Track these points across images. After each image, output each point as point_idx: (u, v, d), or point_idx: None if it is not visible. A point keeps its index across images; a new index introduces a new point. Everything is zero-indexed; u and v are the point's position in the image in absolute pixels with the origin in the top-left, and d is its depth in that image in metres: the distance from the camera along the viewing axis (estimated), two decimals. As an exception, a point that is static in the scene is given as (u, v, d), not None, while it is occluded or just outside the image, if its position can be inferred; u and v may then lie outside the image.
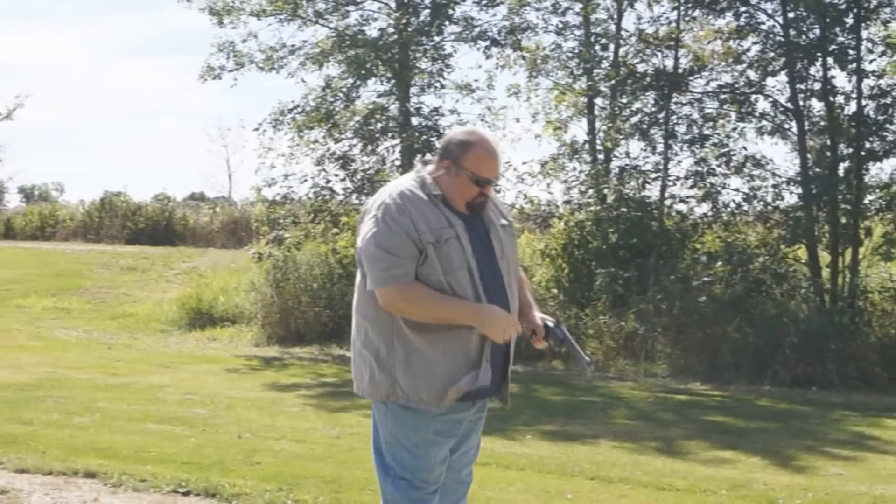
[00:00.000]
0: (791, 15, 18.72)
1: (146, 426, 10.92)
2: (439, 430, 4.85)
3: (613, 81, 20.17)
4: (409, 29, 21.31)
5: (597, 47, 20.99)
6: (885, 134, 18.02)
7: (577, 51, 21.33)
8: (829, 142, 18.52)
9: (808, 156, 18.77)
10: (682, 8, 20.01)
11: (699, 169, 19.49)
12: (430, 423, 4.80)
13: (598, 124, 21.19)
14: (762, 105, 19.50)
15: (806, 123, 18.79)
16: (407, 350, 4.71)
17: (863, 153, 18.08)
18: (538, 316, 5.04)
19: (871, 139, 18.06)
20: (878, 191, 18.44)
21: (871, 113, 18.16)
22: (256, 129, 21.63)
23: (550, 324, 4.99)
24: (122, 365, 16.46)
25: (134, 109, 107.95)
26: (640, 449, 10.60)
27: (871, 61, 18.45)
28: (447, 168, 4.80)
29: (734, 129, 19.70)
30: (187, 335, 21.18)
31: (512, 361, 5.04)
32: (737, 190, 19.49)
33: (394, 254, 4.63)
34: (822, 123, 18.79)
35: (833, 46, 18.28)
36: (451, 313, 4.67)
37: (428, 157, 5.02)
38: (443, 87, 21.94)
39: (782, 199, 19.19)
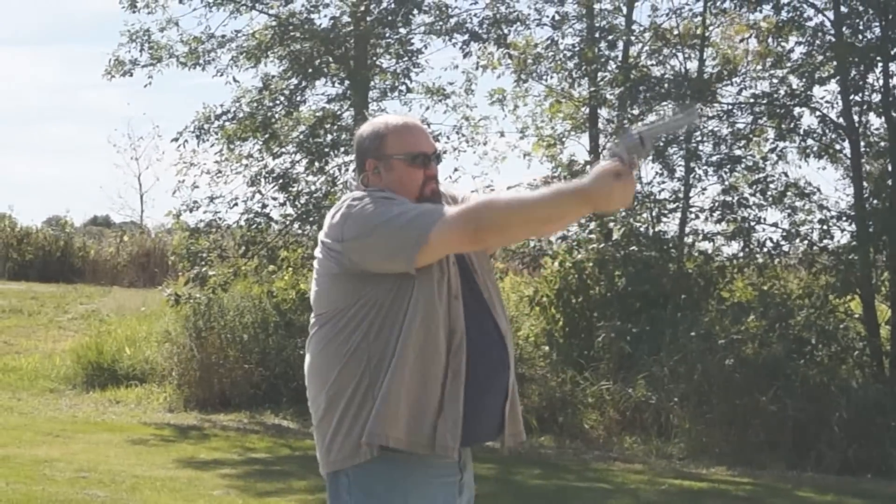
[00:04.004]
0: (844, 9, 18.80)
1: (27, 512, 10.83)
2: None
3: (622, 88, 20.20)
4: (369, 18, 21.29)
5: (602, 45, 21.02)
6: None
7: (577, 49, 21.35)
8: (890, 167, 18.57)
9: (865, 184, 18.81)
10: (709, -3, 20.10)
11: (728, 199, 19.48)
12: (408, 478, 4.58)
13: (602, 140, 21.24)
14: (808, 120, 19.53)
15: (862, 144, 18.83)
16: (395, 388, 4.48)
17: (933, 181, 18.15)
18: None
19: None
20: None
21: (945, 131, 18.23)
22: (175, 140, 21.53)
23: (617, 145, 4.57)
24: (1, 433, 16.35)
25: (20, 111, 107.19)
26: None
27: (944, 67, 18.54)
28: (375, 168, 4.72)
29: (772, 149, 19.73)
30: (84, 396, 21.02)
31: (515, 394, 4.86)
32: (775, 225, 19.51)
33: (408, 206, 4.53)
34: (883, 144, 18.84)
35: (897, 49, 18.36)
36: (556, 203, 4.52)
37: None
38: (409, 90, 21.98)
39: (832, 237, 19.18)
